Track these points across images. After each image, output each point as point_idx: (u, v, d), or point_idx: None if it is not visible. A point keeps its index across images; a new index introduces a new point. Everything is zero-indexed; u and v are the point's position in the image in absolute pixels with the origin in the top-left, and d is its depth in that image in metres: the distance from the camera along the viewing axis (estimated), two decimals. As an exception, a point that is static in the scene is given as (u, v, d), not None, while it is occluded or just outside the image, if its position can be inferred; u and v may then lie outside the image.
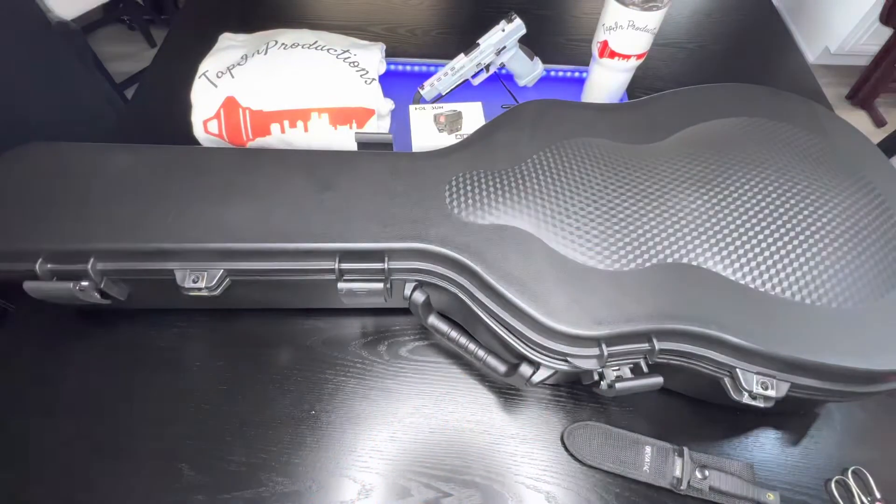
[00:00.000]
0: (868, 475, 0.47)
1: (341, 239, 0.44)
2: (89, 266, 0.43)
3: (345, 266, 0.45)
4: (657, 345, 0.40)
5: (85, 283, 0.44)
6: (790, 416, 0.51)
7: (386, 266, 0.45)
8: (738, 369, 0.40)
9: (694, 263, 0.43)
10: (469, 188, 0.47)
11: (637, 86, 0.74)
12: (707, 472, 0.45)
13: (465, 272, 0.45)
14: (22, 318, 0.53)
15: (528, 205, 0.46)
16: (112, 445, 0.46)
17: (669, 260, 0.43)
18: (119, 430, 0.47)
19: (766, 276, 0.42)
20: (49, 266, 0.44)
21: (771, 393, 0.40)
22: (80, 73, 0.94)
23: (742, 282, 0.42)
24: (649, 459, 0.46)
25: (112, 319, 0.53)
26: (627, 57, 0.62)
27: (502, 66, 0.66)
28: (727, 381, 0.41)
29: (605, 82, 0.68)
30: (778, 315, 0.40)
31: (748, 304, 0.41)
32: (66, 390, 0.49)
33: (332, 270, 0.45)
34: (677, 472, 0.45)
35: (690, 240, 0.44)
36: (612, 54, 0.63)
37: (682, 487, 0.45)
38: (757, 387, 0.40)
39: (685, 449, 0.46)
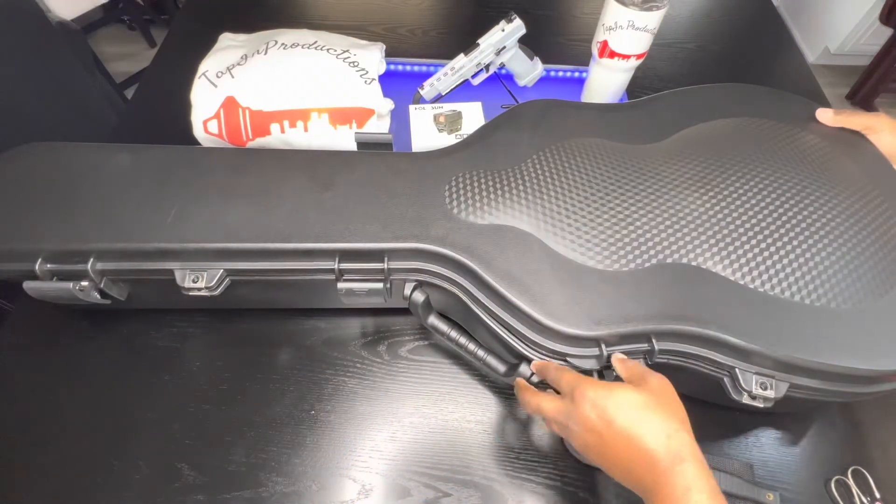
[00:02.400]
0: (868, 475, 0.47)
1: (341, 239, 0.44)
2: (89, 266, 0.43)
3: (344, 266, 0.45)
4: (657, 345, 0.40)
5: (85, 283, 0.44)
6: (790, 416, 0.51)
7: (386, 266, 0.45)
8: (737, 369, 0.40)
9: (693, 263, 0.43)
10: (469, 188, 0.47)
11: (637, 86, 0.74)
12: (707, 472, 0.44)
13: (464, 272, 0.45)
14: (22, 318, 0.53)
15: (527, 205, 0.46)
16: (112, 445, 0.46)
17: (669, 260, 0.43)
18: (119, 429, 0.47)
19: (765, 277, 0.42)
20: (49, 266, 0.44)
21: (770, 393, 0.40)
22: (80, 73, 0.93)
23: (741, 282, 0.42)
24: (649, 459, 0.46)
25: (112, 319, 0.53)
26: (627, 57, 0.62)
27: (502, 66, 0.66)
28: (726, 381, 0.41)
29: (605, 82, 0.68)
30: (777, 315, 0.40)
31: (748, 304, 0.41)
32: (65, 390, 0.49)
33: (331, 270, 0.45)
34: (677, 472, 0.45)
35: (690, 240, 0.44)
36: (612, 54, 0.63)
37: (681, 487, 0.45)
38: (756, 387, 0.40)
39: (685, 449, 0.46)
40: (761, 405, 0.40)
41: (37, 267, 0.43)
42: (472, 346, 0.48)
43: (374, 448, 0.48)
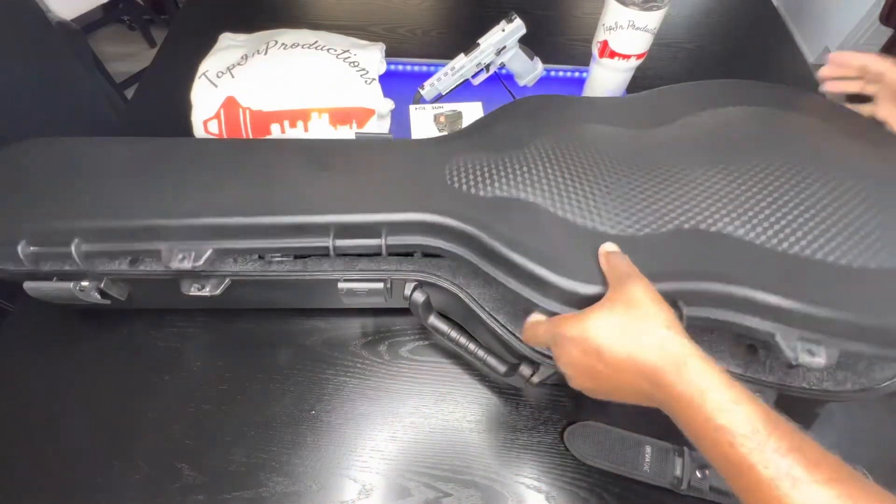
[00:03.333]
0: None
1: (337, 211, 0.43)
2: (73, 247, 0.42)
3: (340, 243, 0.43)
4: (685, 310, 0.37)
5: (85, 283, 0.44)
6: (790, 416, 0.51)
7: (384, 242, 0.43)
8: (778, 335, 0.36)
9: (713, 229, 0.40)
10: (471, 166, 0.46)
11: (637, 86, 0.74)
12: (707, 472, 0.44)
13: (467, 242, 0.42)
14: (22, 318, 0.53)
15: (532, 177, 0.44)
16: (112, 445, 0.46)
17: (686, 226, 0.40)
18: (119, 429, 0.47)
19: (792, 239, 0.39)
20: (32, 249, 0.42)
21: (819, 360, 0.35)
22: (80, 73, 0.93)
23: (767, 245, 0.39)
24: (649, 459, 0.46)
25: (112, 319, 0.53)
26: (627, 57, 0.63)
27: (502, 66, 0.66)
28: (762, 351, 0.38)
29: (605, 82, 0.68)
30: (815, 276, 0.37)
31: (779, 263, 0.37)
32: (65, 390, 0.49)
33: (326, 248, 0.43)
34: (677, 472, 0.45)
35: (706, 207, 0.41)
36: (612, 54, 0.63)
37: (682, 487, 0.45)
38: (803, 353, 0.35)
39: (685, 448, 0.46)
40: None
41: (18, 249, 0.42)
42: (472, 346, 0.48)
43: (375, 448, 0.48)
